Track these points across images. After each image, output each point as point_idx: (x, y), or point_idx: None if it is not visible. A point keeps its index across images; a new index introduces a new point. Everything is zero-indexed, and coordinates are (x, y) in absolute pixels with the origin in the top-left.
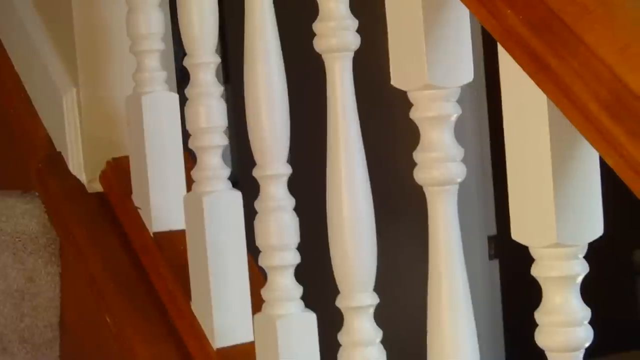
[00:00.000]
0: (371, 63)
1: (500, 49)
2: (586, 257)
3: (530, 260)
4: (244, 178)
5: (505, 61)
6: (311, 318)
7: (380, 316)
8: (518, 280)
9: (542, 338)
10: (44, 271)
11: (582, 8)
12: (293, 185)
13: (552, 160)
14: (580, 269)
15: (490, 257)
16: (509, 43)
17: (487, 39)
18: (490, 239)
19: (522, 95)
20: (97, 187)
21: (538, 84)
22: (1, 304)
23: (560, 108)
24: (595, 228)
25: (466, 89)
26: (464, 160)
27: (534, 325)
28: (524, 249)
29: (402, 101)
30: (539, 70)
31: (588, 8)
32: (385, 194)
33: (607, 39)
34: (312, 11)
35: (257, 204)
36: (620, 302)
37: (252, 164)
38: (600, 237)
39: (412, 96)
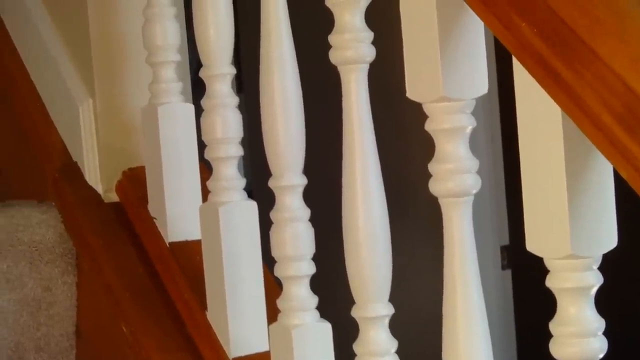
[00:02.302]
0: (387, 74)
1: (515, 62)
2: (600, 269)
3: (543, 270)
4: (258, 186)
5: (520, 73)
6: (326, 328)
7: (392, 318)
8: (531, 291)
9: (557, 349)
10: (60, 280)
11: (594, 20)
12: (308, 195)
13: (566, 172)
14: (595, 280)
15: (503, 267)
16: (523, 55)
17: (499, 51)
18: (503, 249)
19: (537, 107)
20: (113, 197)
21: (552, 96)
22: (18, 313)
23: (574, 120)
24: (609, 239)
25: (479, 98)
26: (477, 171)
27: (546, 335)
28: (537, 259)
29: (416, 112)
30: (552, 82)
31: (600, 20)
32: (399, 204)
33: (619, 51)
34: (327, 21)
35: (273, 215)
36: (635, 314)
37: (267, 172)
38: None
39: (427, 108)
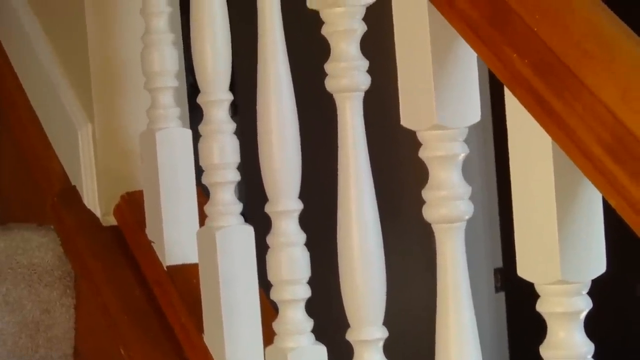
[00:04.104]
0: (382, 102)
1: (507, 91)
2: (589, 294)
3: (536, 293)
4: (254, 209)
5: (511, 103)
6: (322, 351)
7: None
8: (524, 313)
9: None
10: (59, 303)
11: (584, 52)
12: (304, 218)
13: (556, 200)
14: (584, 305)
15: (497, 290)
16: (515, 86)
17: (494, 79)
18: (497, 271)
19: (528, 136)
20: (111, 220)
21: (543, 126)
22: (17, 335)
23: (564, 150)
24: (598, 265)
25: (474, 125)
26: (471, 195)
27: (539, 358)
28: (530, 282)
29: (410, 139)
30: (543, 112)
31: (590, 53)
32: (392, 229)
33: (608, 83)
34: (323, 48)
35: (269, 239)
36: (624, 338)
37: (263, 194)
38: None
39: (421, 136)
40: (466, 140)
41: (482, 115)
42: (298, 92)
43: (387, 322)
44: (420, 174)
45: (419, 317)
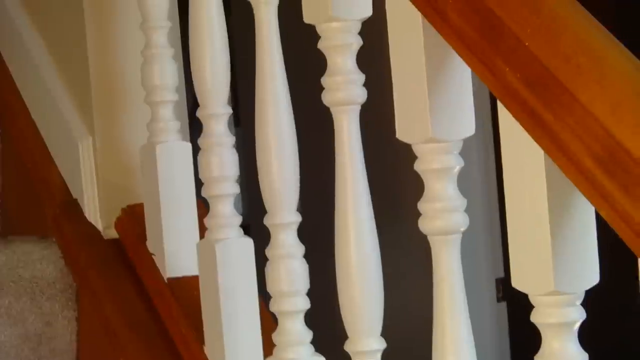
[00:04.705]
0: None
1: (500, 105)
2: (583, 304)
3: None
4: (255, 218)
5: (504, 117)
6: None
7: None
8: (526, 323)
9: None
10: (61, 315)
11: (575, 67)
12: (302, 232)
13: (549, 213)
14: (578, 315)
15: (498, 300)
16: (507, 100)
17: None
18: (498, 281)
19: (521, 149)
20: (112, 233)
21: (535, 139)
22: (19, 348)
23: (556, 163)
24: (591, 276)
25: (474, 136)
26: (472, 205)
27: None
28: None
29: (408, 150)
30: (536, 126)
31: (581, 67)
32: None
33: (600, 97)
34: (320, 62)
35: (268, 251)
36: (617, 348)
37: (263, 205)
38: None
39: (416, 149)
40: (467, 150)
41: (483, 126)
42: (296, 104)
43: (385, 333)
44: (417, 185)
45: (416, 328)
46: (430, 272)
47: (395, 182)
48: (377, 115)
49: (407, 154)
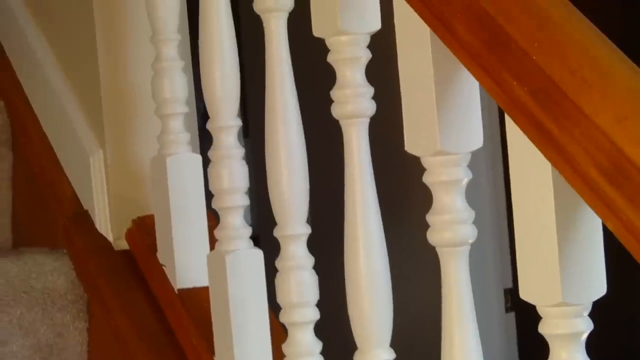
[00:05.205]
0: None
1: (507, 118)
2: (590, 315)
3: None
4: (264, 228)
5: (511, 129)
6: None
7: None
8: (535, 333)
9: None
10: (72, 326)
11: (581, 80)
12: (312, 243)
13: (556, 224)
14: (585, 326)
15: (507, 310)
16: (514, 112)
17: None
18: (507, 291)
19: (528, 161)
20: (123, 244)
21: (542, 151)
22: (31, 358)
23: (563, 175)
24: (599, 287)
25: (483, 148)
26: (481, 216)
27: None
28: None
29: (415, 164)
30: (542, 138)
31: (587, 80)
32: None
33: (605, 110)
34: (330, 74)
35: (278, 263)
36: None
37: (272, 216)
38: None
39: (425, 161)
40: (476, 162)
41: (491, 138)
42: (305, 115)
43: (394, 343)
44: (426, 196)
45: (425, 339)
46: (438, 280)
47: (404, 193)
48: (386, 128)
49: (415, 166)
